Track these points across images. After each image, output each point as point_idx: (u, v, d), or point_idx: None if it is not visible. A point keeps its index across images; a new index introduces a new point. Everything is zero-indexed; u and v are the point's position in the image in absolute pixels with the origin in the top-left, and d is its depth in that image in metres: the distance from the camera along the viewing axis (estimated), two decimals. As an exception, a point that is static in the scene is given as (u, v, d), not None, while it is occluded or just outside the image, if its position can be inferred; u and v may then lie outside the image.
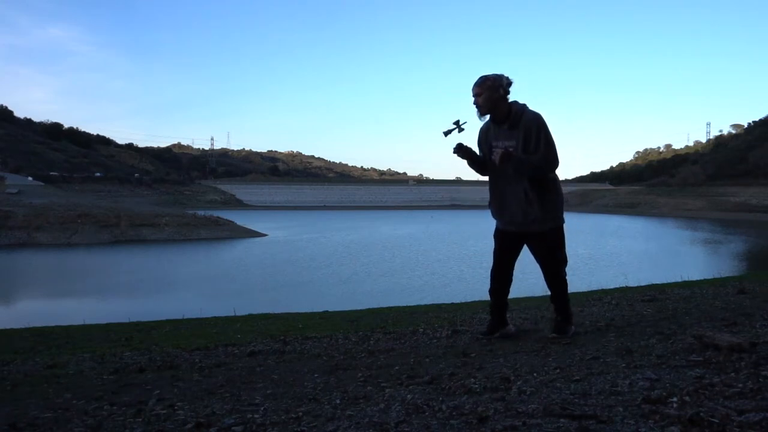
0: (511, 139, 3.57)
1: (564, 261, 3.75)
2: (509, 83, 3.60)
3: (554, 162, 3.59)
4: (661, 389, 2.07)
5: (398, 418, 2.02)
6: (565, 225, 3.77)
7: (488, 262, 3.93)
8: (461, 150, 3.64)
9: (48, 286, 23.56)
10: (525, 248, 3.84)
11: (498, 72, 3.62)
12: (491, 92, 3.56)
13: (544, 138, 3.53)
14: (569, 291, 3.83)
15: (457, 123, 3.66)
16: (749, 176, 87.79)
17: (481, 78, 3.59)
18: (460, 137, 3.68)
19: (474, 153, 3.73)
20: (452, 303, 7.02)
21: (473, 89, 3.61)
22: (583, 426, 1.76)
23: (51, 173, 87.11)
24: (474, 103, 3.63)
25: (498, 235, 3.82)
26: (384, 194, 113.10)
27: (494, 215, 3.83)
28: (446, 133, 3.68)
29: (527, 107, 3.63)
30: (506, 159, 3.49)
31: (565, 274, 3.78)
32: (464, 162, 3.76)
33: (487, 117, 3.70)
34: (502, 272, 3.82)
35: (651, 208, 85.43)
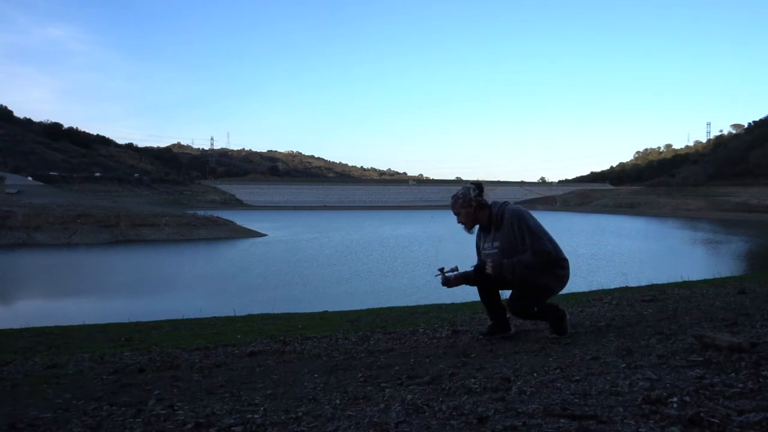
0: (496, 241, 3.72)
1: (532, 306, 3.69)
2: (478, 191, 3.76)
3: (545, 252, 3.59)
4: (661, 389, 2.07)
5: (398, 418, 2.01)
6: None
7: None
8: (451, 285, 3.83)
9: (47, 286, 23.54)
10: None
11: (465, 185, 3.85)
12: (466, 209, 3.77)
13: (528, 232, 3.61)
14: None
15: (442, 271, 3.86)
16: (749, 176, 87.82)
17: (453, 199, 3.84)
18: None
19: (464, 276, 3.86)
20: (452, 303, 7.01)
21: (452, 210, 3.85)
22: (583, 426, 1.75)
23: (51, 173, 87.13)
24: (458, 222, 3.85)
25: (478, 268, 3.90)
26: (384, 194, 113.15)
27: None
28: (444, 284, 3.87)
29: (507, 206, 3.74)
30: (498, 270, 3.60)
31: (531, 311, 3.73)
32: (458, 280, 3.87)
33: (476, 228, 3.86)
34: (483, 287, 3.87)
35: (651, 208, 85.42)
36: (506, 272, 3.60)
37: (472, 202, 3.74)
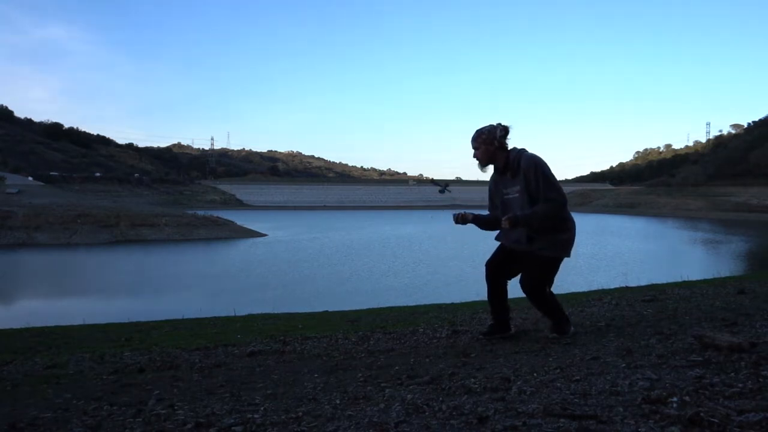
0: (515, 185, 3.65)
1: (544, 284, 3.69)
2: (504, 133, 3.67)
3: (557, 200, 3.58)
4: (661, 389, 2.07)
5: (398, 418, 2.01)
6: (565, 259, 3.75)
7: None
8: (460, 220, 3.78)
9: (48, 286, 23.54)
10: None
11: (492, 123, 3.71)
12: (487, 145, 3.67)
13: (544, 179, 3.56)
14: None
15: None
16: (749, 176, 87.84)
17: (477, 132, 3.70)
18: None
19: (477, 217, 3.81)
20: (452, 303, 7.01)
21: (471, 143, 3.73)
22: (583, 426, 1.76)
23: (51, 173, 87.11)
24: (473, 156, 3.74)
25: (499, 249, 3.87)
26: (384, 194, 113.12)
27: (497, 235, 3.88)
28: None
29: (525, 152, 3.68)
30: (515, 223, 3.54)
31: (542, 294, 3.72)
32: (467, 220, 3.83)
33: (489, 169, 3.78)
34: (494, 281, 3.84)
35: (651, 208, 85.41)
36: (522, 224, 3.54)
37: (495, 141, 3.65)
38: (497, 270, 3.82)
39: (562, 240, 3.64)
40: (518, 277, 3.87)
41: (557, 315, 3.70)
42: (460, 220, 3.77)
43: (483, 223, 3.85)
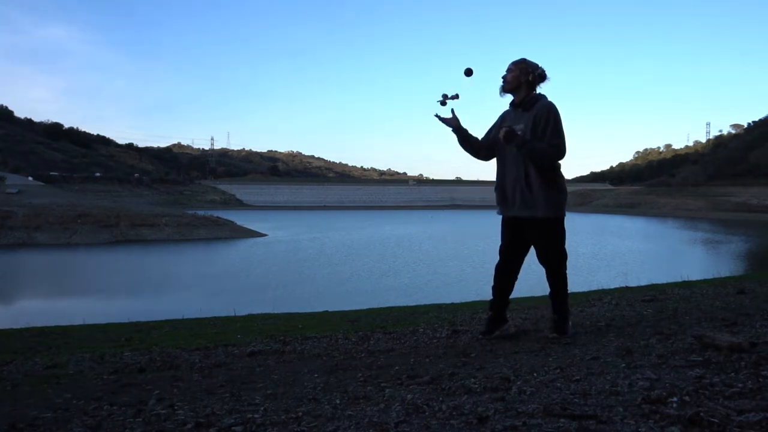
0: (521, 122, 3.61)
1: (564, 256, 3.74)
2: (542, 75, 3.65)
3: (559, 151, 3.57)
4: (661, 389, 2.07)
5: (398, 418, 2.01)
6: (565, 221, 3.77)
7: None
8: (443, 120, 3.77)
9: (48, 286, 23.54)
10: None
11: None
12: (522, 74, 3.62)
13: (553, 125, 3.54)
14: (569, 291, 3.83)
15: (445, 96, 3.72)
16: (749, 176, 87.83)
17: (520, 59, 3.67)
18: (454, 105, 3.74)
19: (462, 129, 3.80)
20: (452, 303, 7.00)
21: (509, 65, 3.67)
22: (583, 426, 1.76)
23: (51, 173, 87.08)
24: (502, 77, 3.69)
25: (503, 227, 3.82)
26: (384, 194, 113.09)
27: (498, 202, 3.82)
28: (443, 103, 3.72)
29: (546, 97, 3.66)
30: (511, 137, 3.52)
31: (566, 270, 3.77)
32: (461, 147, 3.85)
33: (508, 97, 3.73)
34: (506, 267, 3.80)
35: (651, 208, 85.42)
36: (517, 142, 3.52)
37: (530, 75, 3.62)
38: (511, 252, 3.77)
39: (559, 200, 3.65)
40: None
41: (564, 310, 3.69)
42: (444, 103, 3.70)
43: (464, 137, 3.82)
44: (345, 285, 21.43)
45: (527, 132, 3.56)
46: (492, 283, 3.88)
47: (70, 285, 23.20)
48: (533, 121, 3.56)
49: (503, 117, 3.80)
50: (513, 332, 3.86)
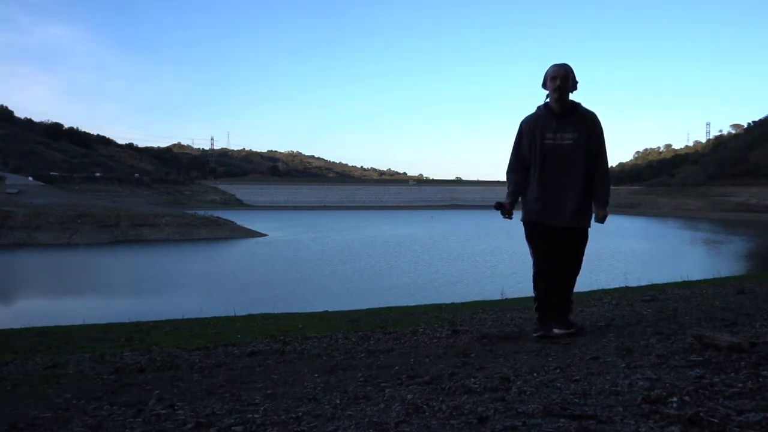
0: (575, 132, 3.55)
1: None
2: (575, 86, 3.62)
3: (608, 174, 3.72)
4: (661, 389, 2.07)
5: (398, 418, 2.01)
6: None
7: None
8: (507, 215, 3.62)
9: (48, 286, 23.54)
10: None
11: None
12: (570, 81, 3.55)
13: (603, 146, 3.64)
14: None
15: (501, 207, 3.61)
16: (749, 176, 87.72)
17: (565, 63, 3.58)
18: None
19: (512, 203, 3.66)
20: (452, 303, 7.01)
21: (559, 70, 3.53)
22: (583, 426, 1.76)
23: (51, 173, 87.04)
24: (559, 85, 3.51)
25: (536, 236, 3.71)
26: (384, 194, 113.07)
27: (535, 209, 3.65)
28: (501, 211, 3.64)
29: (581, 104, 3.65)
30: (605, 216, 3.73)
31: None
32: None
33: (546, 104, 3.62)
34: (547, 267, 3.72)
35: (651, 208, 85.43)
36: (605, 215, 3.70)
37: (572, 82, 3.54)
38: (548, 260, 3.70)
39: (591, 211, 3.72)
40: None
41: (568, 304, 3.72)
42: (507, 215, 3.58)
43: (513, 203, 3.69)
44: (345, 285, 21.44)
45: (582, 142, 3.53)
46: (534, 292, 3.80)
47: (71, 285, 23.21)
48: (587, 135, 3.54)
49: (533, 123, 3.61)
50: (513, 332, 3.86)
